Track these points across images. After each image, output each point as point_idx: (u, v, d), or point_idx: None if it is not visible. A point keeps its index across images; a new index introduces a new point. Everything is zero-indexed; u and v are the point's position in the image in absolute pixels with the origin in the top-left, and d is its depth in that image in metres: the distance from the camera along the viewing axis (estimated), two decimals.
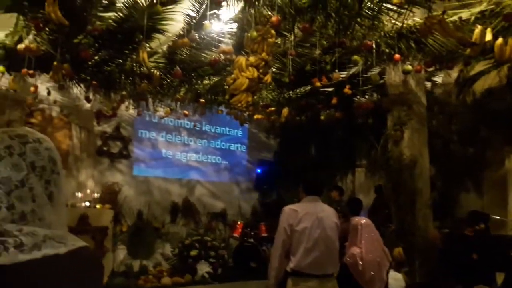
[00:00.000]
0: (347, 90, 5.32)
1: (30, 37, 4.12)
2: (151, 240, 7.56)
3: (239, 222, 7.67)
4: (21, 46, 4.09)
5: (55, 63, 4.43)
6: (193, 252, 6.85)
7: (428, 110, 5.88)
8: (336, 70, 5.04)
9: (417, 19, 4.27)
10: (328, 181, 7.27)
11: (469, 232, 4.80)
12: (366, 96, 6.52)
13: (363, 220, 4.48)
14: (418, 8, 3.83)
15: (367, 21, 4.14)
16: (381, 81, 5.57)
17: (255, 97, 4.70)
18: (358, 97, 6.44)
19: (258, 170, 9.09)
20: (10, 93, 6.13)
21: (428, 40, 4.34)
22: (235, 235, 7.53)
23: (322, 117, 6.73)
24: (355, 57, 4.65)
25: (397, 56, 4.37)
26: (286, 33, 4.66)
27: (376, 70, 5.50)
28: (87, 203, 6.88)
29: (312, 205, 3.47)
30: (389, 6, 3.81)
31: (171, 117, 7.61)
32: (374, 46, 4.36)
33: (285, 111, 6.09)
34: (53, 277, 0.86)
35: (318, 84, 5.21)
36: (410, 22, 4.30)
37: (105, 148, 7.68)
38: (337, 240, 3.54)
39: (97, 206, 6.92)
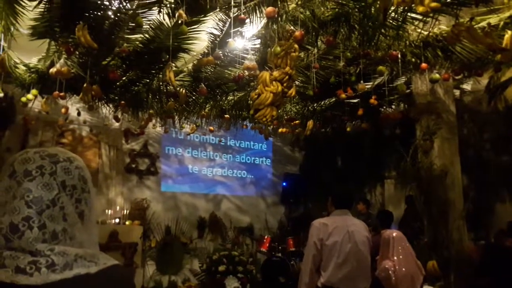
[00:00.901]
0: (373, 100, 5.25)
1: (61, 61, 4.25)
2: (179, 255, 7.59)
3: (266, 237, 7.62)
4: (53, 70, 4.23)
5: (85, 85, 4.58)
6: (221, 268, 6.83)
7: (458, 119, 5.72)
8: (361, 81, 5.00)
9: (444, 27, 4.20)
10: (356, 194, 7.15)
11: (511, 243, 4.60)
12: (393, 106, 6.41)
13: (395, 232, 4.37)
14: (444, 16, 3.76)
15: (391, 31, 4.10)
16: (408, 91, 5.47)
17: (279, 111, 4.70)
18: (384, 107, 6.35)
19: (284, 184, 9.03)
20: (43, 115, 6.38)
21: (455, 48, 4.25)
22: (263, 249, 7.47)
23: (348, 129, 6.66)
24: (380, 67, 4.59)
25: (424, 65, 4.29)
26: (309, 47, 4.66)
27: (402, 79, 5.42)
28: (117, 220, 7.00)
29: (342, 219, 3.40)
30: (413, 15, 3.76)
31: (196, 133, 7.71)
32: (399, 56, 4.30)
33: (310, 123, 6.06)
34: None
35: (343, 95, 5.17)
36: (436, 30, 4.22)
37: (133, 165, 7.84)
38: (369, 255, 3.46)
39: (127, 222, 7.03)
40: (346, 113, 6.41)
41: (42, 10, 3.91)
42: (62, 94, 5.03)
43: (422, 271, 4.31)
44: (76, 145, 7.30)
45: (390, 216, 4.95)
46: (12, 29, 4.17)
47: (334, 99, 6.04)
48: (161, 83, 5.48)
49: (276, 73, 3.89)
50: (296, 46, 3.82)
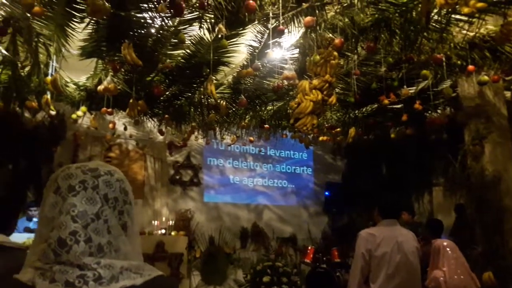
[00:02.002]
0: (417, 105, 5.09)
1: (108, 78, 4.46)
2: (223, 266, 7.64)
3: (310, 247, 7.51)
4: (100, 87, 4.45)
5: (131, 100, 4.76)
6: (266, 279, 6.81)
7: (510, 122, 5.42)
8: (404, 86, 4.87)
9: (491, 27, 4.03)
10: (403, 202, 6.91)
11: None
12: (439, 111, 6.18)
13: (445, 242, 4.19)
14: (491, 15, 3.61)
15: (435, 34, 3.98)
16: (454, 94, 5.26)
17: (319, 119, 4.67)
18: (429, 112, 6.14)
19: (327, 193, 8.89)
20: (91, 130, 6.69)
21: (505, 48, 4.05)
22: (307, 260, 7.37)
23: (392, 135, 6.49)
24: (424, 71, 4.46)
25: (470, 67, 4.13)
26: (349, 53, 4.61)
27: (448, 83, 5.22)
28: (163, 231, 7.17)
29: (390, 229, 3.31)
30: (458, 16, 3.63)
31: (237, 144, 7.79)
32: (444, 59, 4.16)
33: (352, 131, 5.97)
34: None
35: (386, 101, 5.06)
36: (482, 30, 4.05)
37: (177, 177, 8.02)
38: (419, 266, 3.34)
39: (172, 233, 7.18)
40: (389, 119, 6.26)
41: (90, 31, 4.13)
42: (109, 110, 5.27)
43: (477, 283, 4.10)
44: (123, 159, 7.58)
45: (440, 225, 4.75)
46: (63, 50, 4.43)
47: (376, 105, 5.92)
48: (202, 96, 5.61)
49: (315, 82, 3.89)
50: (335, 53, 3.79)
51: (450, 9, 3.33)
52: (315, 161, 9.28)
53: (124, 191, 0.98)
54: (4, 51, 4.46)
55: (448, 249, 4.07)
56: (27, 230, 5.77)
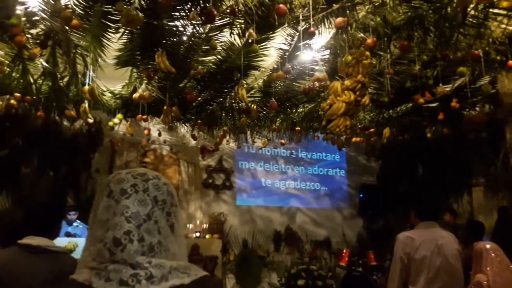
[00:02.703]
0: (454, 104, 4.93)
1: (143, 86, 4.58)
2: (257, 269, 7.65)
3: (345, 250, 7.39)
4: (136, 95, 4.57)
5: (165, 107, 4.87)
6: (300, 282, 6.75)
7: None
8: (440, 84, 4.73)
9: None
10: (441, 203, 6.69)
11: None
12: (477, 109, 5.96)
13: (488, 244, 4.01)
14: None
15: (471, 30, 3.84)
16: (493, 91, 5.06)
17: (352, 120, 4.60)
18: (467, 110, 5.93)
19: (361, 195, 8.74)
20: (127, 137, 6.88)
21: None
22: (342, 263, 7.26)
23: (428, 135, 6.30)
24: (461, 68, 4.32)
25: (511, 62, 3.95)
26: (381, 53, 4.53)
27: (486, 79, 5.03)
28: (197, 234, 7.26)
29: (429, 231, 3.21)
30: (496, 11, 3.50)
31: (268, 147, 7.80)
32: (481, 55, 4.01)
33: (386, 131, 5.84)
34: None
35: (421, 100, 4.93)
36: None
37: (210, 181, 8.12)
38: (461, 269, 3.21)
39: (207, 236, 7.26)
40: (425, 119, 6.08)
41: (125, 41, 4.26)
42: (144, 117, 5.40)
43: None
44: (158, 164, 7.75)
45: (481, 227, 4.56)
46: (99, 60, 4.59)
47: (411, 104, 5.77)
48: (233, 101, 5.66)
49: (347, 82, 3.84)
50: (367, 53, 3.74)
51: (487, 3, 3.21)
52: (348, 163, 9.15)
53: (171, 194, 1.03)
54: (44, 63, 4.68)
55: (491, 251, 3.89)
56: (67, 234, 5.99)
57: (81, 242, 4.82)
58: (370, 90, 4.95)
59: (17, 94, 5.13)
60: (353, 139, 6.50)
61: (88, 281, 0.90)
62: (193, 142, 7.54)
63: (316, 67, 4.23)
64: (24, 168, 6.44)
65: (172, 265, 0.94)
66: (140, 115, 5.41)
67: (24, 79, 5.05)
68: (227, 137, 7.14)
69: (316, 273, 6.90)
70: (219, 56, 4.64)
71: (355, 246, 8.15)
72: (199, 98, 5.56)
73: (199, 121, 6.24)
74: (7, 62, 4.63)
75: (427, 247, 3.10)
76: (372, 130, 6.31)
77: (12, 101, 5.26)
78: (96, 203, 1.01)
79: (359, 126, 6.23)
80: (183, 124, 6.68)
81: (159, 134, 6.89)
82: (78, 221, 5.60)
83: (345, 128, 3.97)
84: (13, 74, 5.00)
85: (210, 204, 8.01)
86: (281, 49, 4.55)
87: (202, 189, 8.01)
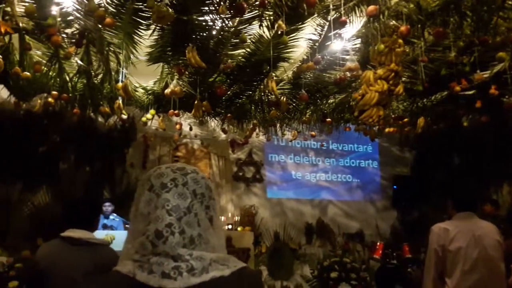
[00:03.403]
0: (493, 91, 4.72)
1: (174, 81, 4.65)
2: (289, 261, 7.65)
3: (378, 243, 7.27)
4: (167, 90, 4.65)
5: (196, 101, 4.92)
6: (333, 274, 6.70)
7: None
8: (478, 71, 4.54)
9: None
10: (480, 194, 6.46)
11: None
12: None
13: None
14: None
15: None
16: None
17: (386, 110, 4.50)
18: (507, 97, 5.66)
19: (395, 187, 8.56)
20: (159, 132, 7.02)
21: None
22: (376, 256, 7.14)
23: (465, 123, 6.08)
24: (500, 53, 4.13)
25: None
26: (415, 40, 4.39)
27: None
28: (230, 226, 7.34)
29: (466, 222, 3.11)
30: None
31: (298, 139, 7.76)
32: None
33: (420, 120, 5.67)
34: None
35: (457, 88, 4.75)
36: None
37: (240, 174, 8.17)
38: (502, 261, 3.10)
39: (239, 228, 7.33)
40: (461, 107, 5.86)
41: (156, 37, 4.32)
42: (176, 112, 5.48)
43: None
44: (189, 157, 7.86)
45: None
46: (131, 57, 4.68)
47: (446, 92, 5.58)
48: (262, 94, 5.65)
49: (380, 71, 3.75)
50: (400, 41, 3.63)
51: None
52: (381, 154, 8.97)
53: (209, 188, 1.05)
54: (79, 62, 4.82)
55: None
56: (104, 226, 6.19)
57: (117, 234, 4.98)
58: (403, 79, 4.81)
59: (54, 92, 5.31)
60: (386, 130, 6.35)
61: (131, 273, 0.93)
62: (223, 136, 7.60)
63: (347, 57, 4.16)
64: (62, 163, 6.70)
65: (212, 257, 0.96)
66: (171, 110, 5.50)
67: (60, 77, 5.22)
68: (257, 130, 7.15)
69: (350, 265, 6.82)
70: (248, 49, 4.63)
71: (389, 239, 8.01)
72: (229, 92, 5.58)
73: (229, 114, 6.27)
74: (44, 61, 4.81)
75: (463, 238, 3.01)
76: (406, 120, 6.14)
77: (50, 99, 5.47)
78: (137, 197, 1.03)
79: (392, 116, 6.07)
80: (213, 118, 6.73)
81: (190, 129, 6.99)
82: (115, 214, 5.78)
83: (378, 119, 3.90)
84: (50, 73, 5.18)
85: (241, 197, 8.07)
86: (311, 39, 4.49)
87: (232, 182, 8.08)
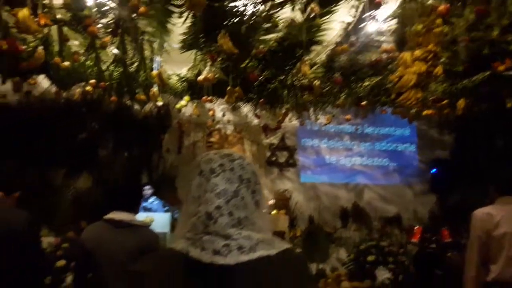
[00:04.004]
0: None
1: (207, 68, 4.69)
2: (324, 244, 7.65)
3: (416, 227, 7.16)
4: (200, 77, 4.70)
5: (228, 87, 4.94)
6: (370, 258, 6.64)
7: None
8: None
9: None
10: None
11: None
12: None
13: None
14: None
15: None
16: None
17: (424, 92, 4.36)
18: None
19: (433, 170, 8.33)
20: (193, 118, 7.13)
21: None
22: (414, 240, 7.05)
23: (508, 105, 5.78)
24: None
25: None
26: (454, 19, 4.19)
27: None
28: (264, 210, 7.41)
29: (510, 207, 3.01)
30: None
31: (332, 123, 7.66)
32: None
33: (461, 102, 5.45)
34: (267, 275, 0.99)
35: (500, 67, 4.51)
36: None
37: (273, 159, 8.19)
38: None
39: (273, 212, 7.39)
40: (504, 87, 5.57)
41: (189, 24, 4.35)
42: (209, 98, 5.53)
43: None
44: (223, 143, 7.95)
45: None
46: (165, 45, 4.74)
47: (488, 72, 5.31)
48: (295, 78, 5.59)
49: (418, 52, 3.64)
50: (439, 21, 3.49)
51: None
52: (419, 137, 8.71)
53: (254, 173, 1.10)
54: (115, 51, 4.94)
55: None
56: (144, 209, 6.42)
57: (156, 216, 5.15)
58: (442, 59, 4.63)
59: (92, 81, 5.48)
60: (424, 112, 6.14)
61: (185, 250, 1.00)
62: (256, 121, 7.63)
63: (383, 38, 4.04)
64: (101, 150, 6.95)
65: (259, 237, 1.01)
66: (205, 97, 5.55)
67: (97, 66, 5.38)
68: (290, 115, 7.11)
69: (387, 249, 6.74)
70: (280, 34, 4.58)
71: (427, 223, 7.85)
72: (261, 77, 5.56)
73: (261, 100, 6.27)
74: (82, 51, 4.96)
75: (507, 223, 2.92)
76: (445, 101, 5.91)
77: (88, 88, 5.65)
78: (188, 181, 1.10)
79: (431, 98, 5.86)
80: (246, 104, 6.75)
81: (223, 114, 7.06)
82: (153, 197, 5.98)
83: (417, 101, 3.80)
84: (88, 63, 5.35)
85: (275, 181, 8.11)
86: (344, 21, 4.38)
87: (266, 167, 8.11)
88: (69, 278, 4.30)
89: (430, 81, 4.43)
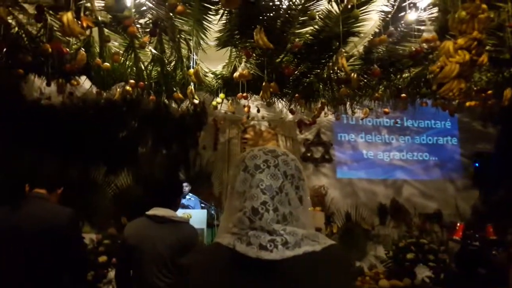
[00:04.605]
0: None
1: (242, 65, 4.69)
2: (362, 241, 7.53)
3: (458, 223, 6.89)
4: (236, 74, 4.71)
5: (264, 83, 4.93)
6: (410, 255, 6.47)
7: None
8: None
9: None
10: None
11: None
12: None
13: None
14: None
15: None
16: None
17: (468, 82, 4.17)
18: None
19: (476, 164, 7.99)
20: (228, 115, 7.18)
21: None
22: (456, 237, 6.78)
23: None
24: None
25: None
26: (501, 4, 3.98)
27: None
28: None
29: None
30: None
31: (369, 117, 7.50)
32: None
33: (507, 92, 5.18)
34: (312, 271, 0.99)
35: None
36: None
37: (308, 154, 8.12)
38: None
39: (309, 208, 7.33)
40: None
41: (224, 21, 4.37)
42: (244, 94, 5.55)
43: None
44: (257, 139, 7.96)
45: None
46: (201, 42, 4.78)
47: None
48: (331, 71, 5.50)
49: (461, 41, 3.48)
50: (484, 6, 3.32)
51: None
52: (461, 130, 8.40)
53: (298, 169, 1.11)
54: (153, 50, 5.03)
55: None
56: (182, 206, 6.53)
57: (194, 213, 5.23)
58: (487, 47, 4.42)
59: (132, 81, 5.62)
60: (467, 103, 5.89)
61: (231, 244, 1.01)
62: (290, 117, 7.58)
63: (424, 27, 3.90)
64: (141, 148, 7.12)
65: (303, 233, 1.01)
66: (240, 93, 5.57)
67: (136, 66, 5.51)
68: (325, 109, 7.02)
69: (427, 246, 6.54)
70: (316, 26, 4.52)
71: (470, 219, 7.54)
72: (296, 72, 5.51)
73: (297, 95, 6.22)
74: (121, 52, 5.10)
75: None
76: (489, 92, 5.65)
77: (127, 88, 5.80)
78: (232, 177, 1.11)
79: (475, 88, 5.62)
80: (280, 99, 6.72)
81: (258, 111, 7.05)
82: (191, 194, 6.06)
83: (460, 92, 3.65)
84: (127, 63, 5.48)
85: (310, 177, 8.02)
86: (383, 11, 4.26)
87: (301, 163, 8.02)
88: (110, 274, 4.44)
89: (474, 70, 4.25)
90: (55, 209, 2.60)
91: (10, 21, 4.46)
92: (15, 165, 5.36)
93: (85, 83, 6.28)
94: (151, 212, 2.85)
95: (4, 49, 4.72)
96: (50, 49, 3.98)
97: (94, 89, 6.38)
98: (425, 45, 4.15)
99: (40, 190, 2.65)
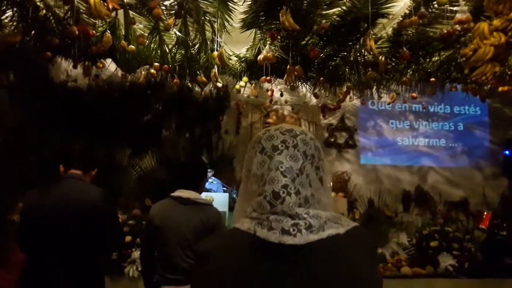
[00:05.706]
0: None
1: (267, 47, 4.62)
2: (385, 228, 7.44)
3: (485, 212, 6.74)
4: (260, 57, 4.65)
5: (288, 66, 4.85)
6: (433, 243, 6.37)
7: None
8: None
9: None
10: None
11: None
12: None
13: None
14: None
15: None
16: None
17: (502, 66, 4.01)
18: None
19: (507, 152, 7.74)
20: (251, 99, 7.14)
21: None
22: (482, 226, 6.65)
23: None
24: None
25: None
26: None
27: None
28: None
29: None
30: None
31: (396, 102, 7.33)
32: None
33: None
34: (338, 254, 0.95)
35: None
36: None
37: (331, 140, 8.03)
38: None
39: (332, 194, 7.29)
40: None
41: (250, 2, 4.30)
42: (268, 78, 5.49)
43: None
44: (280, 124, 7.88)
45: None
46: (226, 24, 4.73)
47: None
48: (358, 54, 5.37)
49: (496, 22, 3.34)
50: None
51: None
52: (491, 116, 8.11)
53: (318, 149, 1.06)
54: (178, 33, 5.02)
55: None
56: (204, 189, 6.59)
57: (216, 196, 5.27)
58: None
59: (156, 64, 5.63)
60: (500, 89, 5.67)
61: (251, 230, 0.97)
62: (313, 101, 7.49)
63: (457, 8, 3.74)
64: (165, 131, 7.19)
65: (327, 215, 0.98)
66: (264, 77, 5.51)
67: (161, 49, 5.51)
68: (350, 93, 6.89)
69: (452, 235, 6.43)
70: (343, 7, 4.39)
71: (497, 208, 7.36)
72: (322, 54, 5.40)
73: (321, 78, 6.11)
74: (146, 34, 5.10)
75: None
76: None
77: (152, 71, 5.83)
78: (248, 159, 1.07)
79: (509, 72, 5.39)
80: (304, 83, 6.62)
81: (281, 95, 6.99)
82: (213, 177, 6.11)
83: (493, 76, 3.52)
84: (152, 46, 5.49)
85: (333, 163, 7.95)
86: None
87: (324, 148, 7.90)
88: (134, 253, 4.55)
89: (510, 53, 4.07)
90: (92, 189, 2.69)
91: (38, 3, 4.51)
92: (46, 146, 5.50)
93: (110, 65, 6.34)
94: (176, 193, 2.89)
95: (33, 32, 4.80)
96: (76, 32, 4.01)
97: (119, 72, 6.43)
98: (458, 27, 3.99)
99: (76, 171, 2.73)
